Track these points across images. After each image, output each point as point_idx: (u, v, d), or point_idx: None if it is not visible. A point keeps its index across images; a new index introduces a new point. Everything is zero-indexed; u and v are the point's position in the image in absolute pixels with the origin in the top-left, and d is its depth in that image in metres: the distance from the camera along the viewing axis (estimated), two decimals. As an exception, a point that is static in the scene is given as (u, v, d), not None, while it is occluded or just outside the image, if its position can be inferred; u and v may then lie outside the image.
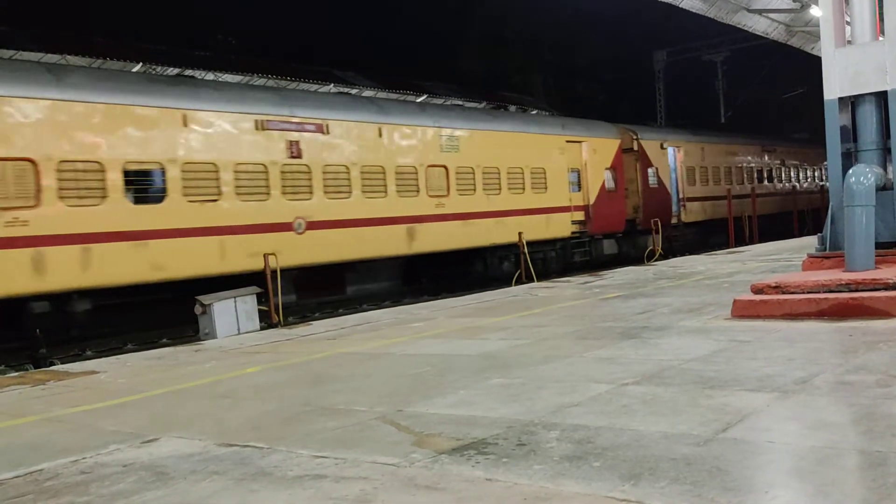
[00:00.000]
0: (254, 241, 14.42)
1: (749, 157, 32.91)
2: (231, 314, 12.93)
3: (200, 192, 13.83)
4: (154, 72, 17.07)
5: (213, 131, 14.07)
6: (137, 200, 13.09)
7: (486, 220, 19.53)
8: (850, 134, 10.36)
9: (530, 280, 18.68)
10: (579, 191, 22.87)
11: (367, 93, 21.12)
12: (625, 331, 8.20)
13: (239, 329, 12.81)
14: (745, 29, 25.65)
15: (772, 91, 47.10)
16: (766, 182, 33.78)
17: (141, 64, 16.96)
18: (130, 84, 13.71)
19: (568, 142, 22.53)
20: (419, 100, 21.51)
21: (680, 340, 7.35)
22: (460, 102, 23.23)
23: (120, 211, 12.75)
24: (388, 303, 17.16)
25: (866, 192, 9.06)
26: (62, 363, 11.13)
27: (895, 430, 4.05)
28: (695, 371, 5.90)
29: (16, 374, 9.94)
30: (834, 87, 10.29)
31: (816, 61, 11.59)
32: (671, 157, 27.49)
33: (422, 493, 3.77)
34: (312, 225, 15.47)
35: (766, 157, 34.39)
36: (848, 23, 10.73)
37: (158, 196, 13.38)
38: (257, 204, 14.65)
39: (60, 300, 12.33)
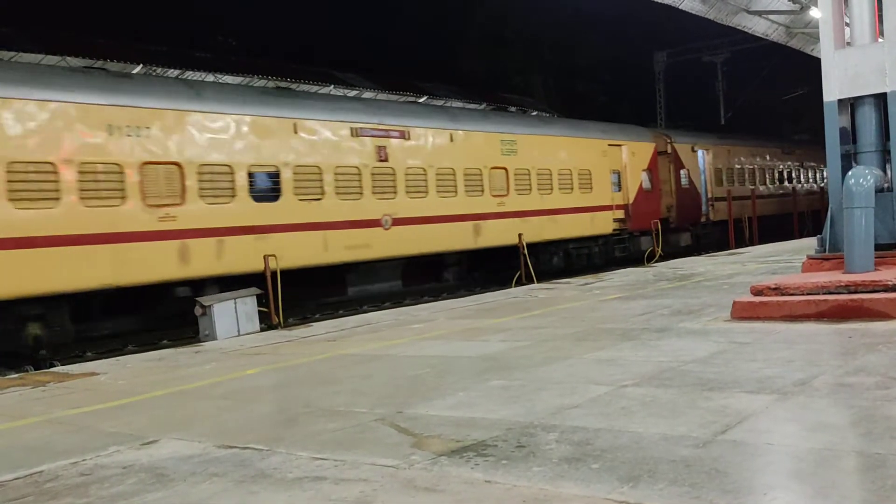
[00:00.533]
0: (350, 236, 16.13)
1: (771, 159, 34.59)
2: (231, 315, 12.93)
3: (308, 192, 15.41)
4: (154, 73, 17.09)
5: (317, 138, 15.72)
6: (258, 199, 14.61)
7: (539, 217, 21.03)
8: (850, 136, 10.37)
9: (530, 281, 18.70)
10: (619, 191, 24.28)
11: (367, 94, 21.15)
12: (624, 332, 8.21)
13: (239, 330, 12.81)
14: (745, 30, 25.66)
15: (772, 92, 47.08)
16: (785, 182, 35.45)
17: (141, 65, 16.98)
18: (252, 97, 15.42)
19: (610, 145, 23.97)
20: (481, 107, 23.20)
21: (679, 342, 7.35)
22: (460, 104, 23.29)
23: (245, 208, 14.37)
24: (389, 304, 17.18)
25: (866, 193, 9.06)
26: (62, 365, 11.13)
27: (894, 432, 4.06)
28: (694, 373, 5.91)
29: (16, 375, 9.95)
30: (833, 88, 10.30)
31: (816, 63, 11.60)
32: (700, 159, 29.07)
33: (421, 494, 3.78)
34: (397, 221, 17.08)
35: (787, 160, 35.89)
36: (847, 24, 10.74)
37: (275, 195, 14.90)
38: (352, 202, 16.24)
39: (197, 286, 13.79)
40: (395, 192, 17.05)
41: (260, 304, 13.59)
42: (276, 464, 4.50)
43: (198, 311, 12.84)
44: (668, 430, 4.44)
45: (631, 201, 24.49)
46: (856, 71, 10.08)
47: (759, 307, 8.35)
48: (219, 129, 14.02)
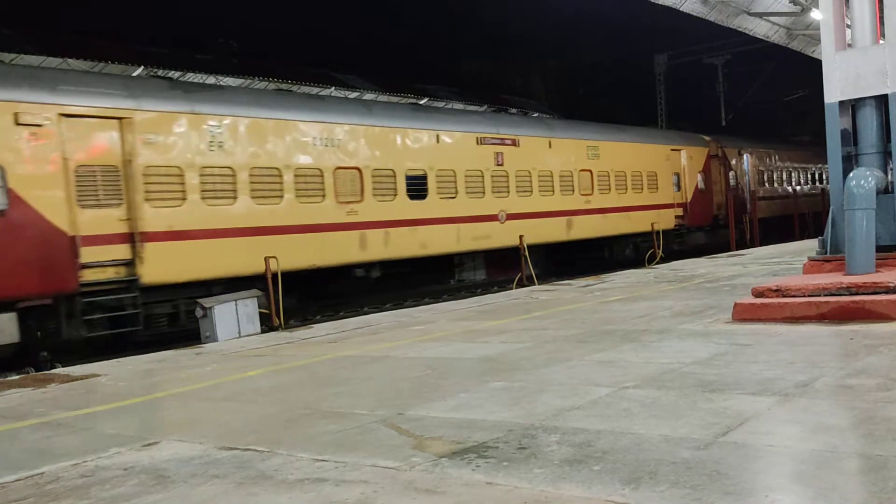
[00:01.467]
0: (476, 228, 19.34)
1: (806, 162, 37.34)
2: (232, 317, 12.93)
3: (446, 192, 18.63)
4: (155, 74, 17.11)
5: (453, 146, 18.79)
6: (412, 197, 17.71)
7: (617, 213, 24.02)
8: (851, 137, 10.36)
9: (531, 283, 18.71)
10: (679, 190, 27.43)
11: (368, 96, 21.18)
12: (625, 334, 8.21)
13: (240, 332, 12.81)
14: (746, 32, 25.69)
15: (773, 94, 47.06)
16: (817, 182, 37.96)
17: (143, 67, 17.01)
18: (406, 113, 18.77)
19: (672, 150, 27.23)
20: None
21: (681, 344, 7.35)
22: (461, 105, 23.35)
23: (404, 205, 17.50)
24: (390, 306, 17.22)
25: (867, 195, 9.06)
26: (63, 366, 11.13)
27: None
28: (695, 374, 5.91)
29: (17, 376, 9.95)
30: (834, 90, 10.29)
31: (817, 64, 11.60)
32: (746, 162, 32.15)
33: (422, 496, 3.77)
34: (509, 217, 20.14)
35: (817, 161, 37.72)
36: (848, 26, 10.73)
37: (423, 194, 18.03)
38: (477, 200, 19.35)
39: (368, 267, 17.09)
40: (507, 192, 20.15)
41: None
42: (276, 465, 4.50)
43: (198, 312, 12.84)
44: (670, 432, 4.43)
45: (689, 200, 27.64)
46: (857, 72, 10.07)
47: (761, 309, 8.35)
48: (386, 140, 17.18)
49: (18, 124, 11.54)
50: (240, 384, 7.40)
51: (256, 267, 13.99)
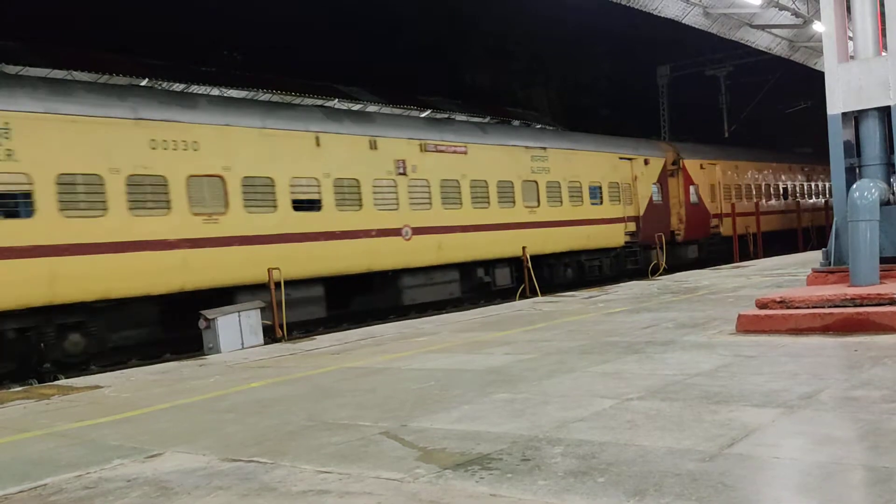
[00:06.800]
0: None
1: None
2: (235, 329, 12.93)
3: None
4: (160, 87, 17.17)
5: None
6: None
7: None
8: (854, 149, 10.37)
9: (534, 294, 18.70)
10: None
11: (371, 108, 21.23)
12: (629, 345, 8.19)
13: (243, 343, 12.80)
14: (749, 44, 25.74)
15: (775, 106, 47.11)
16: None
17: (147, 79, 17.06)
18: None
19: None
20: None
21: (685, 355, 7.33)
22: (464, 117, 23.40)
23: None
24: (393, 317, 17.19)
25: (870, 206, 9.05)
26: (66, 378, 11.13)
27: (901, 446, 4.04)
28: (700, 386, 5.89)
29: (20, 388, 9.95)
30: (837, 102, 10.31)
31: (820, 76, 11.61)
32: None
33: (426, 508, 3.76)
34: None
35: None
36: (851, 38, 10.76)
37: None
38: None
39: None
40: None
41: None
42: (280, 477, 4.49)
43: (202, 324, 12.84)
44: (674, 444, 4.42)
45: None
46: (859, 84, 10.09)
47: (765, 320, 8.33)
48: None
49: None
50: (243, 395, 7.39)
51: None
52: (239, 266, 14.34)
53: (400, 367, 8.23)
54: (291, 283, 14.74)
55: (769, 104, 46.02)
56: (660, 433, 4.68)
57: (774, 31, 25.10)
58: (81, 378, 10.23)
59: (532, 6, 40.63)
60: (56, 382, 10.20)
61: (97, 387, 8.73)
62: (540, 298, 16.46)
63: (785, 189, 35.30)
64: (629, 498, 3.63)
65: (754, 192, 32.60)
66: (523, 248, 20.17)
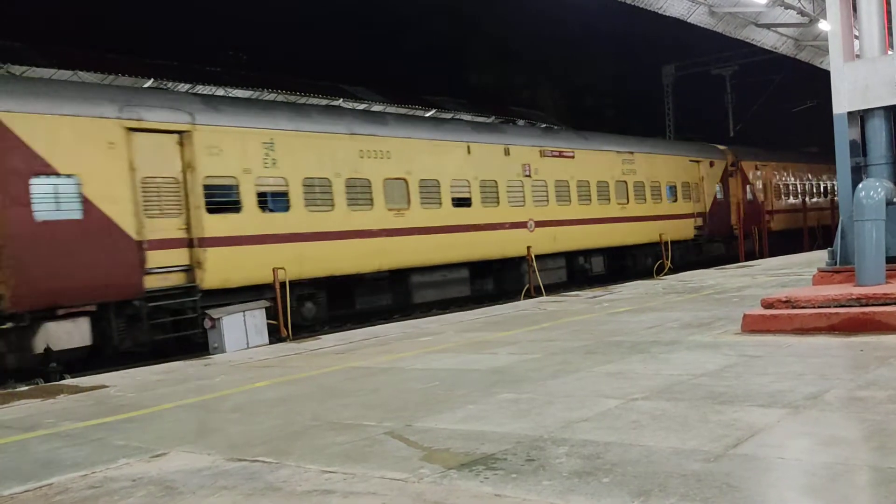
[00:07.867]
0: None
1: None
2: (240, 328, 12.95)
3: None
4: (165, 87, 17.22)
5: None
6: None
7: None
8: (860, 148, 10.34)
9: (539, 294, 18.69)
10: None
11: (377, 107, 21.26)
12: (634, 345, 8.18)
13: (248, 343, 12.82)
14: (754, 43, 25.69)
15: (781, 105, 47.02)
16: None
17: (152, 79, 17.11)
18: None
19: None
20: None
21: (690, 355, 7.32)
22: (469, 117, 23.43)
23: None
24: (398, 316, 17.21)
25: (876, 206, 9.02)
26: (72, 377, 11.16)
27: (907, 447, 4.02)
28: (705, 386, 5.88)
29: (26, 387, 9.98)
30: (843, 101, 10.28)
31: (825, 75, 11.58)
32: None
33: (431, 508, 3.76)
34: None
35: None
36: (857, 37, 10.72)
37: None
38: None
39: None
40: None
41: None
42: (285, 477, 4.49)
43: (207, 323, 12.86)
44: (679, 444, 4.41)
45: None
46: (865, 83, 10.06)
47: (770, 320, 8.31)
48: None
49: None
50: (248, 395, 7.40)
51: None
52: (414, 251, 17.74)
53: (404, 367, 8.24)
54: (445, 267, 18.55)
55: (775, 103, 45.96)
56: (665, 433, 4.67)
57: (780, 29, 25.04)
58: (87, 377, 10.25)
59: (535, 6, 40.68)
60: (62, 382, 10.22)
61: (103, 386, 8.75)
62: (544, 298, 16.45)
63: (825, 188, 37.83)
64: (634, 498, 3.62)
65: (800, 191, 35.15)
66: (528, 247, 20.31)
